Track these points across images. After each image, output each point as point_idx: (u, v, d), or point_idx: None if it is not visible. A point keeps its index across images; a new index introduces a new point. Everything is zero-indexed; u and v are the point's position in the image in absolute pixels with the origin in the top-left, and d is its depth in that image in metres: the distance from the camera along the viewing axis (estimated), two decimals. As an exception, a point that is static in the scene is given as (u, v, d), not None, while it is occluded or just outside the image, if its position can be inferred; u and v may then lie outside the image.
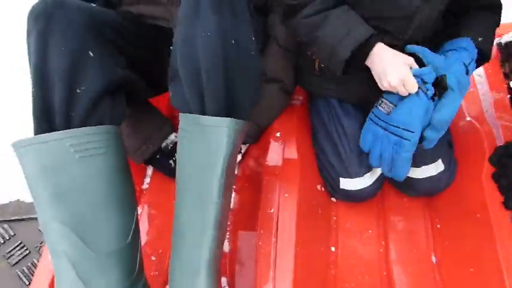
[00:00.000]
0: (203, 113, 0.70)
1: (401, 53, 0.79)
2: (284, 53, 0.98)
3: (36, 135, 0.68)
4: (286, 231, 0.86)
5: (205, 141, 0.70)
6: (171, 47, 0.77)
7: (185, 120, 0.73)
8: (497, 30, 1.19)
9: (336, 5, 0.79)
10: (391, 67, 0.77)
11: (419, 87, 0.77)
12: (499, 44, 1.18)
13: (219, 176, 0.69)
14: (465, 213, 0.94)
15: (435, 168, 0.94)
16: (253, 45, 0.75)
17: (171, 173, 1.03)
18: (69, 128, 0.69)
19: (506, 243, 0.85)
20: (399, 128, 0.81)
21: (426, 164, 0.94)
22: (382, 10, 0.80)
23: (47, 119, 0.69)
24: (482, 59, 0.86)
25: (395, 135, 0.82)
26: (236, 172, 1.07)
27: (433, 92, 0.78)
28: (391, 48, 0.79)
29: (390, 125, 0.83)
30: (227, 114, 0.70)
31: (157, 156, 1.03)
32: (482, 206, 0.91)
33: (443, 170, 0.95)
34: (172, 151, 1.03)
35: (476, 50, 0.82)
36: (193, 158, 0.72)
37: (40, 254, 1.18)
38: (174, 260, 0.73)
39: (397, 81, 0.76)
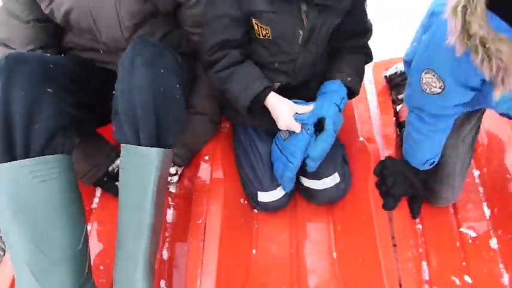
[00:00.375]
0: (139, 145, 0.92)
1: (288, 102, 1.07)
2: (210, 90, 1.21)
3: (1, 164, 0.86)
4: (211, 238, 1.07)
5: (140, 167, 0.91)
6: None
7: (125, 150, 0.94)
8: (384, 64, 1.49)
9: (242, 60, 1.05)
10: (279, 117, 1.06)
11: (302, 128, 1.04)
12: (385, 77, 1.48)
13: (151, 192, 0.91)
14: (357, 216, 1.20)
15: (333, 180, 1.20)
16: (178, 91, 0.98)
17: (117, 193, 1.22)
18: (29, 157, 0.88)
19: (383, 238, 1.11)
20: (288, 153, 1.07)
21: (325, 177, 1.19)
22: (273, 56, 1.06)
23: (9, 150, 0.87)
24: (352, 93, 1.15)
25: (285, 157, 1.08)
26: (174, 191, 1.29)
27: (313, 130, 1.06)
28: (280, 98, 1.07)
29: (283, 149, 1.09)
30: (157, 145, 0.92)
31: (105, 179, 1.22)
32: (368, 209, 1.17)
33: (339, 182, 1.21)
34: (118, 174, 1.22)
35: (345, 89, 1.10)
36: (132, 180, 0.93)
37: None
38: (117, 265, 0.93)
39: (284, 127, 1.05)
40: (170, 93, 0.96)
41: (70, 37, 1.14)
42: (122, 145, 0.95)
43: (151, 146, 0.91)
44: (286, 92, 1.11)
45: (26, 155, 0.88)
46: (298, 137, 1.07)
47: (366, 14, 1.12)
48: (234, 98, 1.07)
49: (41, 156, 0.89)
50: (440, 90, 0.96)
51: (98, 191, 1.30)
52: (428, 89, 0.98)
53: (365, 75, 1.36)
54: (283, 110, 1.06)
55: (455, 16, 0.74)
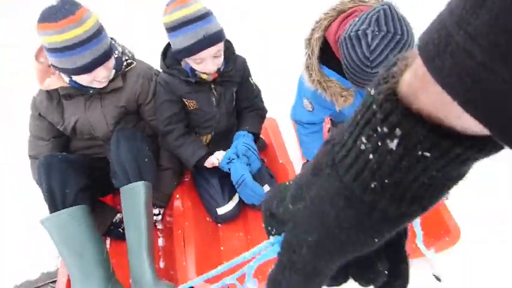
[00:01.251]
0: (129, 183, 1.57)
1: (218, 153, 1.76)
2: (170, 154, 1.90)
3: (51, 214, 1.49)
4: (190, 241, 1.66)
5: (133, 195, 1.55)
6: (109, 164, 1.66)
7: (123, 190, 1.59)
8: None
9: (187, 132, 1.76)
10: (215, 161, 1.74)
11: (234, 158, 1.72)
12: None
13: (143, 209, 1.53)
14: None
15: (265, 189, 1.84)
16: (148, 152, 1.67)
17: (120, 236, 1.81)
18: (66, 208, 1.51)
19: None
20: (238, 178, 1.71)
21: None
22: (202, 118, 1.78)
23: (53, 205, 1.51)
24: (255, 135, 1.84)
25: (242, 180, 1.70)
26: (160, 227, 1.89)
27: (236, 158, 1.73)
28: (213, 154, 1.75)
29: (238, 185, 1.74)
30: (141, 180, 1.58)
31: (112, 227, 1.82)
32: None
33: (269, 190, 1.85)
34: (119, 224, 1.83)
35: (249, 134, 1.80)
36: (129, 205, 1.56)
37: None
38: (130, 258, 1.51)
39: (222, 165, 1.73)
40: (144, 153, 1.65)
41: (74, 143, 1.84)
42: (121, 189, 1.60)
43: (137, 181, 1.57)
44: (216, 141, 1.81)
45: (64, 207, 1.51)
46: (235, 167, 1.73)
47: (252, 84, 1.88)
48: (185, 160, 1.77)
49: (72, 207, 1.52)
50: (312, 110, 1.67)
51: (108, 240, 1.87)
52: (306, 108, 1.69)
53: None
54: (219, 153, 1.77)
55: (305, 71, 1.47)
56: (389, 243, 0.31)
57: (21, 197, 1.92)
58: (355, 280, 0.34)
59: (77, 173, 1.63)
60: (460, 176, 0.25)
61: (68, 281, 1.55)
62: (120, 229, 1.83)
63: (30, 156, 1.79)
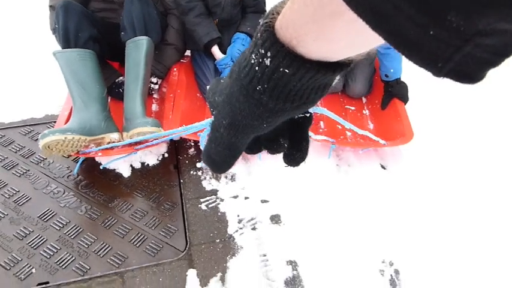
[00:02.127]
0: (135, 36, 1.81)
1: (219, 55, 1.98)
2: (177, 31, 2.12)
3: (63, 49, 1.73)
4: (178, 105, 1.92)
5: (136, 46, 1.80)
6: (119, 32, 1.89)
7: (129, 42, 1.83)
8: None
9: (206, 13, 1.97)
10: (218, 54, 1.97)
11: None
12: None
13: (143, 58, 1.78)
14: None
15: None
16: (156, 16, 1.89)
17: (118, 96, 2.06)
18: (77, 48, 1.75)
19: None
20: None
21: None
22: (208, 3, 1.99)
23: (67, 43, 1.75)
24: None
25: None
26: (156, 96, 2.14)
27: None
28: (218, 51, 1.99)
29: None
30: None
31: (113, 86, 2.07)
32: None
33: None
34: (120, 85, 2.08)
35: (247, 36, 2.01)
36: (132, 54, 1.80)
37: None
38: (125, 100, 1.77)
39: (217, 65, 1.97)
40: (152, 16, 1.88)
41: (92, 4, 2.05)
42: (127, 42, 1.83)
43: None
44: (219, 30, 2.03)
45: (75, 47, 1.75)
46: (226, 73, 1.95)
47: None
48: (198, 38, 1.99)
49: (82, 48, 1.76)
50: None
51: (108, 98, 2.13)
52: None
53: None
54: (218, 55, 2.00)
55: None
56: (296, 126, 0.43)
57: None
58: (265, 148, 0.46)
59: (91, 24, 1.86)
60: (322, 88, 0.34)
61: (69, 115, 1.81)
62: (120, 89, 2.08)
63: (50, 6, 2.01)
